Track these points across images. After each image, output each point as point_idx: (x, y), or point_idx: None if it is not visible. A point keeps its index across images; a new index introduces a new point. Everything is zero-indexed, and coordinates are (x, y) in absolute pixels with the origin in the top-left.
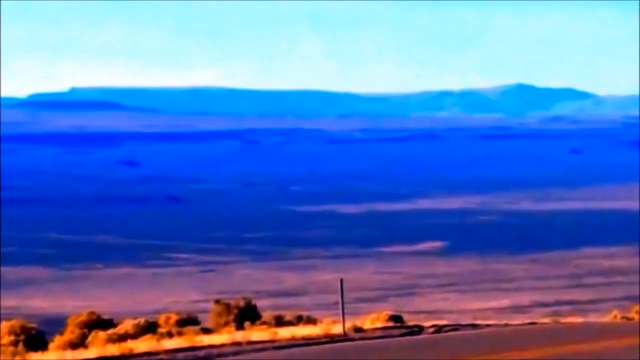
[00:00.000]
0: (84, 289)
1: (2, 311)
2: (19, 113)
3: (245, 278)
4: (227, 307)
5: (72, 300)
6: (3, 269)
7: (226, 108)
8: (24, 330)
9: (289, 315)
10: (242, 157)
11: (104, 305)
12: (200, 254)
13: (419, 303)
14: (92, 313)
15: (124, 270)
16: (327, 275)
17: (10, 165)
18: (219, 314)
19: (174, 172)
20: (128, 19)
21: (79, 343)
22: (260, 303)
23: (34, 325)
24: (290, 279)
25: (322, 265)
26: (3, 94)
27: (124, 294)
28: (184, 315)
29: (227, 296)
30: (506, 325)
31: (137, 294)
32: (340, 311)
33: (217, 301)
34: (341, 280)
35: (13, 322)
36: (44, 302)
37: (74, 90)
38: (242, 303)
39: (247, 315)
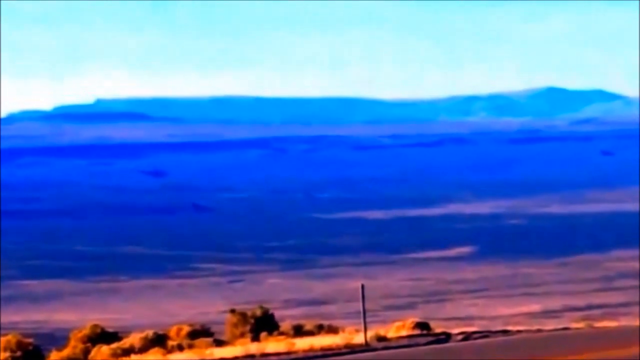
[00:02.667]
0: (110, 301)
1: (28, 325)
2: (43, 126)
3: (274, 287)
4: (244, 317)
5: (99, 313)
6: (30, 282)
7: (252, 116)
8: (20, 346)
9: (309, 325)
10: (269, 165)
11: (129, 317)
12: (227, 263)
13: (449, 310)
14: (95, 326)
15: (150, 281)
16: (356, 283)
17: (36, 178)
18: (235, 325)
19: (200, 181)
20: (151, 28)
21: (82, 358)
22: (288, 312)
23: (30, 340)
24: (319, 288)
25: (351, 272)
26: (27, 107)
27: (150, 305)
28: (197, 327)
29: (254, 306)
30: (539, 330)
31: (163, 306)
32: (366, 319)
33: (233, 311)
34: (362, 287)
35: (9, 337)
36: (71, 316)
37: (99, 102)
38: (258, 312)
39: (264, 325)
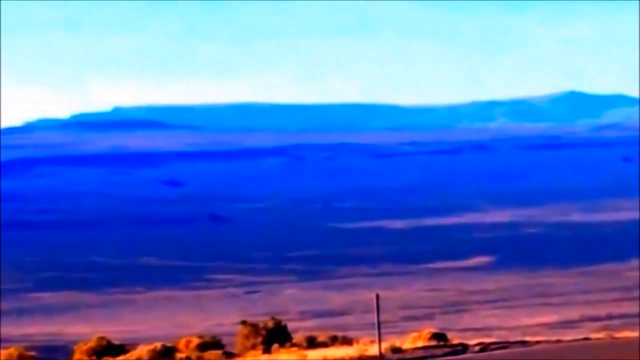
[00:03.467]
0: (125, 313)
1: (42, 338)
2: (61, 134)
3: (291, 298)
4: (255, 328)
5: (113, 326)
6: (45, 294)
7: (269, 123)
8: (22, 359)
9: (322, 336)
10: (288, 174)
11: (143, 330)
12: (244, 274)
13: (468, 320)
14: (101, 338)
15: (166, 293)
16: (373, 294)
17: (53, 187)
18: (246, 336)
19: (218, 191)
20: (169, 35)
21: None
22: (304, 324)
23: (32, 353)
24: (337, 298)
25: (369, 283)
26: (45, 115)
27: (165, 317)
28: (207, 339)
29: (267, 318)
30: (558, 341)
31: (179, 318)
32: (382, 330)
33: (244, 322)
34: (377, 297)
35: (12, 350)
36: (85, 328)
37: (116, 110)
38: (270, 324)
39: (276, 336)
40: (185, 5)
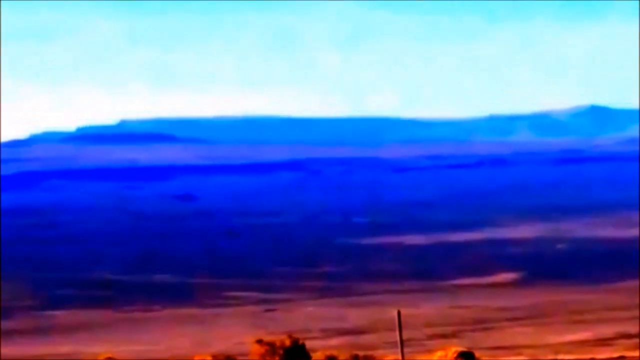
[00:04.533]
0: (142, 332)
1: (57, 358)
2: (67, 147)
3: (311, 316)
4: (272, 347)
5: (131, 345)
6: (57, 312)
7: (283, 137)
8: None
9: (342, 355)
10: (303, 188)
11: (161, 349)
12: (262, 291)
13: (496, 338)
14: (109, 358)
15: (183, 310)
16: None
17: (60, 202)
18: (262, 356)
19: (232, 205)
20: (175, 47)
21: None
22: (326, 342)
23: None
24: (358, 316)
25: (392, 300)
26: (51, 128)
27: (185, 336)
28: (221, 357)
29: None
30: (591, 359)
31: (198, 336)
32: (406, 348)
33: (260, 341)
34: (398, 313)
35: None
36: (101, 347)
37: (123, 123)
38: (287, 342)
39: (294, 356)
40: (192, 18)
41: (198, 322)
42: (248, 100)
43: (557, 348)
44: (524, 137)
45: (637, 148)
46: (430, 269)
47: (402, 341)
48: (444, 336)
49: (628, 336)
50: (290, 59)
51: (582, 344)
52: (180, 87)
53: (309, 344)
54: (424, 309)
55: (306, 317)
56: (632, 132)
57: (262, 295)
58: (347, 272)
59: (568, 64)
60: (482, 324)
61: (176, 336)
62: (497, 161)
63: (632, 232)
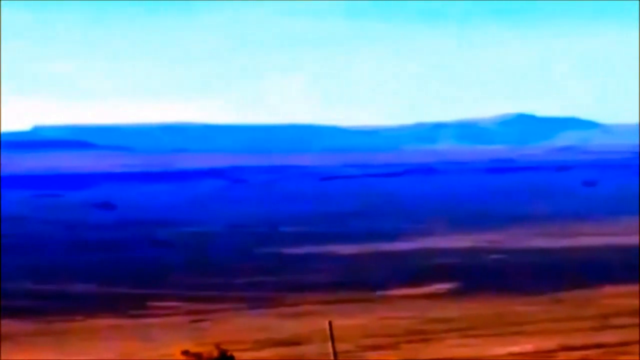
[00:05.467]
0: (66, 343)
1: None
2: None
3: (242, 327)
4: (199, 358)
5: (55, 355)
6: None
7: (204, 145)
8: None
9: None
10: (227, 197)
11: None
12: (190, 302)
13: (434, 350)
14: None
15: (108, 321)
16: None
17: None
18: None
19: (155, 214)
20: (89, 54)
21: None
22: (259, 354)
23: None
24: (292, 327)
25: (326, 310)
26: None
27: (109, 348)
28: None
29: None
30: None
31: (123, 348)
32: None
33: (186, 352)
34: (330, 324)
35: None
36: (24, 358)
37: (36, 129)
38: (215, 353)
39: None
40: (109, 25)
41: (123, 333)
42: (163, 107)
43: None
44: (450, 146)
45: (569, 157)
46: (363, 279)
47: (335, 353)
48: (379, 347)
49: (570, 348)
50: (206, 66)
51: (524, 355)
52: (97, 95)
53: (239, 355)
54: (358, 319)
55: (236, 328)
56: (560, 140)
57: (189, 306)
58: (277, 282)
59: (495, 72)
60: (419, 335)
61: (100, 347)
62: (425, 170)
63: (563, 243)
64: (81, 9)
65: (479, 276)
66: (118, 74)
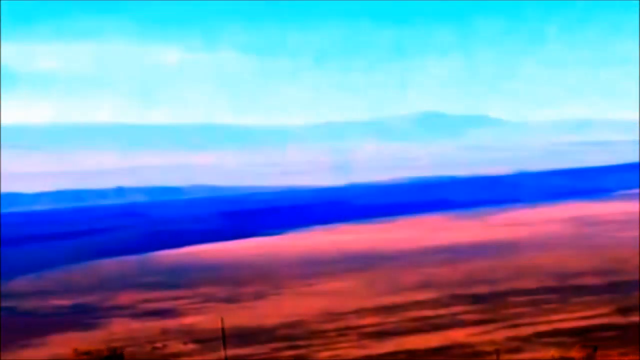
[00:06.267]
0: None
1: None
2: None
3: None
4: (90, 356)
5: None
6: None
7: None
8: None
9: None
10: None
11: None
12: None
13: None
14: None
15: None
16: None
17: None
18: None
19: None
20: None
21: None
22: None
23: None
24: None
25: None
26: None
27: None
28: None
29: None
30: None
31: None
32: None
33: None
34: (222, 320)
35: None
36: None
37: None
38: (106, 351)
39: None
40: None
41: None
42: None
43: None
44: (361, 143)
45: (476, 154)
46: None
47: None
48: None
49: None
50: (108, 64)
51: None
52: None
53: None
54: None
55: None
56: (469, 138)
57: None
58: None
59: (400, 70)
60: None
61: None
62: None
63: None
64: None
65: None
66: None
